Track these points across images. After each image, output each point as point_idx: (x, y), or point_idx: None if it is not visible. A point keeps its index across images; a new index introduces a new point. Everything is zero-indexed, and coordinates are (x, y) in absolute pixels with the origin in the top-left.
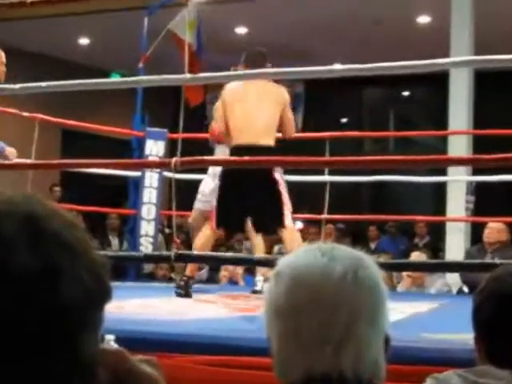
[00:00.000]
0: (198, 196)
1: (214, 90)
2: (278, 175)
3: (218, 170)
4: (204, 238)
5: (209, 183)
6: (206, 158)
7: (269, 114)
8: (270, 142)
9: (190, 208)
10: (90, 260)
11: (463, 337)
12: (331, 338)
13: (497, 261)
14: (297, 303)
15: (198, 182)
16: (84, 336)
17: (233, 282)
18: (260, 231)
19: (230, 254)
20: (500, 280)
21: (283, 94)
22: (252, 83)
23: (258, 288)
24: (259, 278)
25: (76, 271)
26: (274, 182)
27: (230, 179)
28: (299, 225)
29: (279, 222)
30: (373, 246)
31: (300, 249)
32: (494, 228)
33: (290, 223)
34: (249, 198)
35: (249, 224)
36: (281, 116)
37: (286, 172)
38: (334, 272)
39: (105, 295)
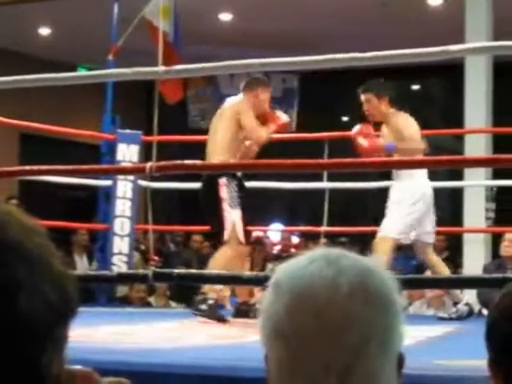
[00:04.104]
0: None
1: (196, 85)
2: (224, 193)
3: None
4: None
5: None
6: (185, 162)
7: (218, 134)
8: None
9: (168, 221)
10: (52, 271)
11: (480, 363)
12: (336, 364)
13: None
14: (299, 324)
15: (177, 191)
16: (46, 355)
17: (219, 305)
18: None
19: (215, 272)
20: None
21: (233, 106)
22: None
23: None
24: None
25: (36, 283)
26: (219, 200)
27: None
28: (295, 239)
29: (220, 239)
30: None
31: (303, 255)
32: None
33: (235, 240)
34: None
35: None
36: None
37: (279, 178)
38: (342, 287)
39: (69, 310)
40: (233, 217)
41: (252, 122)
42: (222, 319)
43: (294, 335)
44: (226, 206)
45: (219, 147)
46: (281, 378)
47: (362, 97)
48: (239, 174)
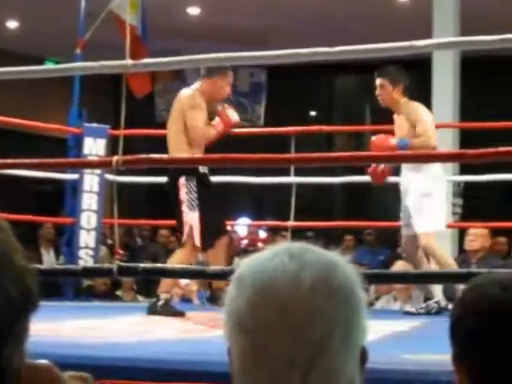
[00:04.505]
0: None
1: (164, 79)
2: (183, 194)
3: None
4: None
5: None
6: (151, 156)
7: (172, 130)
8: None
9: (135, 215)
10: (14, 267)
11: (446, 358)
12: (300, 358)
13: (484, 270)
14: (262, 318)
15: (145, 185)
16: (7, 349)
17: (186, 299)
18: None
19: (179, 267)
20: (480, 290)
21: (181, 99)
22: None
23: None
24: None
25: None
26: (179, 202)
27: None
28: (263, 234)
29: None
30: (348, 257)
31: (268, 249)
32: (476, 234)
33: (191, 243)
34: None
35: None
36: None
37: (246, 172)
38: (304, 282)
39: (30, 304)
40: (190, 219)
41: (194, 121)
42: (177, 314)
43: (257, 330)
44: (184, 207)
45: (171, 142)
46: (244, 371)
47: (377, 81)
48: (204, 170)
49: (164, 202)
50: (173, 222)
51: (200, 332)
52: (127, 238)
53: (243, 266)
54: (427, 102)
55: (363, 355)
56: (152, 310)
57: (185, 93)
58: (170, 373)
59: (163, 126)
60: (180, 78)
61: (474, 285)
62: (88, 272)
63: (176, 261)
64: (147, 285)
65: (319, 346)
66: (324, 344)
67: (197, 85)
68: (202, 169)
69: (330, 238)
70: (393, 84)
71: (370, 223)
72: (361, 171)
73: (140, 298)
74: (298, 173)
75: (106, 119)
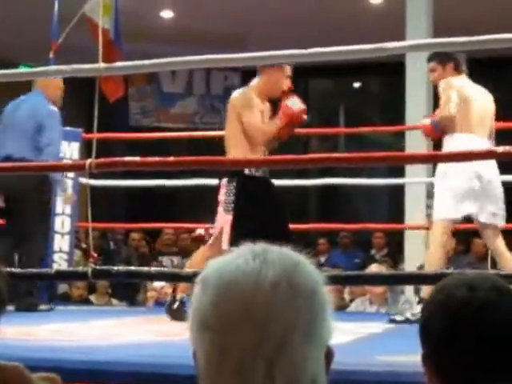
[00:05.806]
0: None
1: (137, 82)
2: (221, 195)
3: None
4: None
5: None
6: (124, 159)
7: (228, 134)
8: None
9: (110, 218)
10: None
11: (418, 359)
12: (263, 355)
13: (454, 271)
14: (225, 315)
15: (117, 188)
16: None
17: (161, 302)
18: None
19: (155, 269)
20: (448, 291)
21: (233, 100)
22: None
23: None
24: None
25: None
26: (217, 202)
27: None
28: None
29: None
30: (322, 259)
31: (232, 250)
32: None
33: (215, 245)
34: None
35: None
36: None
37: (217, 175)
38: (266, 279)
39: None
40: (222, 221)
41: (249, 119)
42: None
43: (221, 328)
44: (220, 208)
45: (229, 143)
46: (209, 369)
47: (428, 66)
48: (254, 172)
49: (140, 206)
50: (146, 226)
51: (176, 335)
52: (101, 242)
53: (208, 267)
54: (401, 103)
55: (328, 355)
56: (168, 311)
57: (236, 93)
58: (145, 376)
59: (137, 129)
60: (154, 81)
61: (442, 285)
62: (61, 275)
63: (194, 261)
64: (121, 288)
65: (281, 344)
66: (285, 342)
67: (252, 83)
68: (250, 171)
69: (304, 241)
70: (441, 64)
71: (345, 226)
72: (335, 174)
73: (114, 301)
74: (271, 176)
75: (80, 123)
